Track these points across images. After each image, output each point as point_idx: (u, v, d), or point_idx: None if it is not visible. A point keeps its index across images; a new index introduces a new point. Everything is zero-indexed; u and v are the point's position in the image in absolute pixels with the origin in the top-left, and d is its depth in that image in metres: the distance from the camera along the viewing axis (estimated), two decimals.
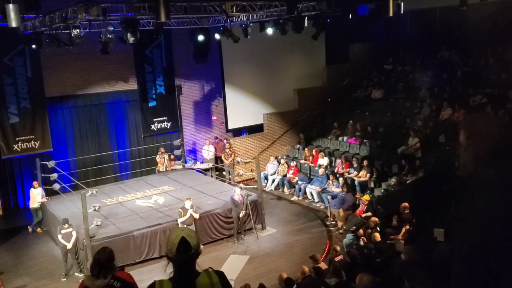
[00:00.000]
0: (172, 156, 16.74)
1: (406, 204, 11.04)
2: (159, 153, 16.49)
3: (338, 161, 15.77)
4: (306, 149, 17.24)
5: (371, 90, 18.72)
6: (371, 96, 18.52)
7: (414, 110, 16.19)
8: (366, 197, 13.17)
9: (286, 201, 15.55)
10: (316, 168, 16.03)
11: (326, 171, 15.45)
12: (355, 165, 14.89)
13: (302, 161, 16.87)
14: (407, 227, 10.53)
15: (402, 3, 12.35)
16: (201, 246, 11.83)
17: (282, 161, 17.11)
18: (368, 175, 14.33)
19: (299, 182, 15.76)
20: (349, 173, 14.92)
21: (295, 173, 16.33)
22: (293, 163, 16.85)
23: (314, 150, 16.96)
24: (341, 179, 14.42)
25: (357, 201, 13.53)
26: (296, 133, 19.09)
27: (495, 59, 15.69)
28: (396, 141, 15.08)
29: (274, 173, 16.91)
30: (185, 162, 17.37)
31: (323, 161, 16.16)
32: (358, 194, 13.67)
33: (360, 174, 14.57)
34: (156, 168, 16.59)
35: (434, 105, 15.68)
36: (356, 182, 14.36)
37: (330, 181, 14.66)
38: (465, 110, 14.25)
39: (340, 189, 13.93)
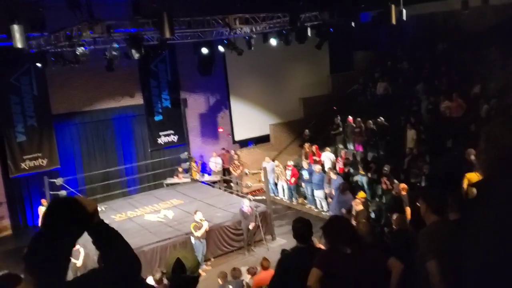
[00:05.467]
0: (180, 169, 16.79)
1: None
2: (192, 161, 16.84)
3: (338, 157, 15.63)
4: (306, 144, 16.33)
5: (374, 88, 18.61)
6: (376, 92, 18.39)
7: (413, 108, 16.14)
8: (361, 194, 12.41)
9: (295, 211, 15.45)
10: (313, 166, 15.01)
11: (326, 169, 14.73)
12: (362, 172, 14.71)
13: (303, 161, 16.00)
14: None
15: (404, 10, 12.35)
16: (204, 267, 11.63)
17: (277, 162, 16.63)
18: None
19: (314, 189, 14.94)
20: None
21: (295, 176, 15.79)
22: (290, 162, 16.14)
23: (314, 147, 16.38)
24: (332, 173, 13.75)
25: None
26: (303, 142, 19.00)
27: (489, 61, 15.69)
28: (404, 147, 14.97)
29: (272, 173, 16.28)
30: (203, 170, 17.50)
31: (326, 155, 15.78)
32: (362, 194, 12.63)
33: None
34: (183, 180, 16.67)
35: (431, 104, 15.69)
36: (365, 187, 14.13)
37: (327, 179, 13.95)
38: (464, 100, 14.31)
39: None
